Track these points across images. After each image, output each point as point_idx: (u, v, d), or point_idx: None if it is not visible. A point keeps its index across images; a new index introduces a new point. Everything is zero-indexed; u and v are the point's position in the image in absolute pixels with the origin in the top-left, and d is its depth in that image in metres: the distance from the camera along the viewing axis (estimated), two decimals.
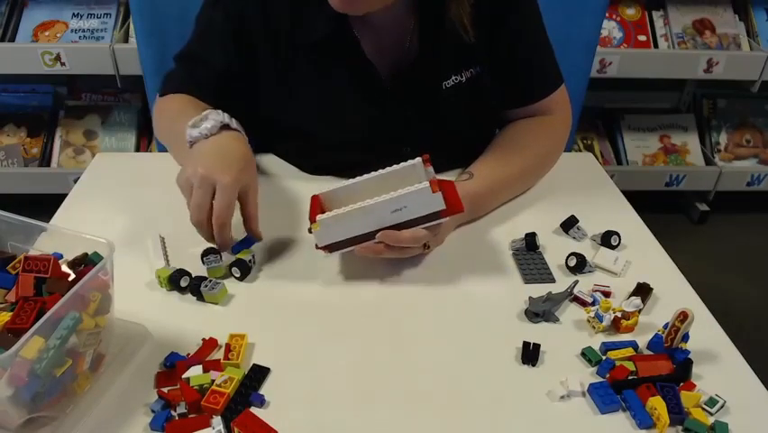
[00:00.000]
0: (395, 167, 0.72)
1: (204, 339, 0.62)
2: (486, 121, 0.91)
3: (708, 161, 1.97)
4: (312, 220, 0.68)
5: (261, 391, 0.58)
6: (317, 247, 0.69)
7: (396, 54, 0.82)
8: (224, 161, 0.68)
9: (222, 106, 0.77)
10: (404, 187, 0.67)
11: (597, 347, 0.63)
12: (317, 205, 0.72)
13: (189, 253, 0.73)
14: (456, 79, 0.84)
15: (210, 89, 0.83)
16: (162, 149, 1.02)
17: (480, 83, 0.85)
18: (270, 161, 0.93)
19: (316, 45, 0.80)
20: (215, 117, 0.72)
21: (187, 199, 0.69)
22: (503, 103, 0.90)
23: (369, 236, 0.68)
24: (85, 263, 0.58)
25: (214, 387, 0.56)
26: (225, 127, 0.72)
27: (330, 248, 0.69)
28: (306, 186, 0.85)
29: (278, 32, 0.81)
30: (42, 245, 0.60)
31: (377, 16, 0.77)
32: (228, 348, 0.61)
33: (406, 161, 0.72)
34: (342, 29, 0.79)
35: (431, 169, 0.71)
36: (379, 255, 0.69)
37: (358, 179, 0.72)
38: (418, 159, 0.71)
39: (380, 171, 0.72)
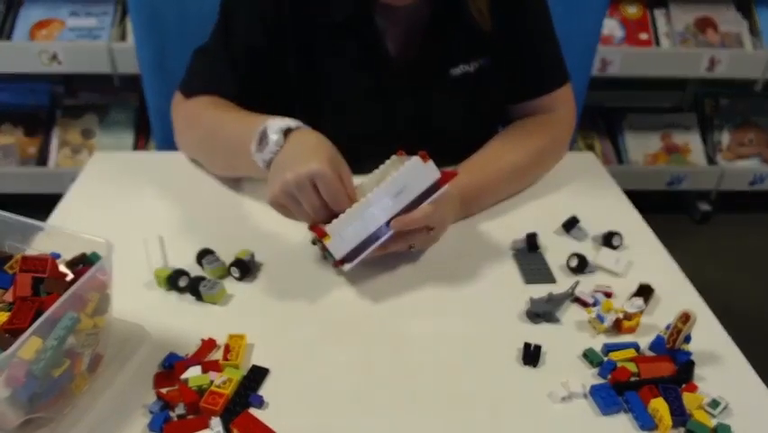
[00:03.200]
0: (380, 167, 0.71)
1: (203, 340, 0.62)
2: (490, 114, 0.92)
3: (711, 161, 1.96)
4: (320, 234, 0.65)
5: (260, 392, 0.58)
6: (335, 264, 0.67)
7: (410, 40, 0.83)
8: (306, 154, 0.64)
9: (245, 100, 0.77)
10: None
11: (598, 348, 0.63)
12: (319, 228, 0.68)
13: (188, 252, 0.72)
14: (464, 68, 0.85)
15: (235, 86, 0.82)
16: (162, 147, 1.01)
17: (486, 75, 0.86)
18: None
19: (337, 29, 0.81)
20: (274, 129, 0.68)
21: (294, 211, 0.66)
22: (508, 96, 0.90)
23: (380, 232, 0.66)
24: (83, 263, 0.58)
25: (212, 388, 0.56)
26: (288, 131, 0.69)
27: (349, 258, 0.66)
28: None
29: (305, 17, 0.81)
30: (40, 245, 0.59)
31: (400, 4, 0.78)
32: (227, 349, 0.61)
33: (410, 148, 0.71)
34: (362, 14, 0.80)
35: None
36: (395, 248, 0.68)
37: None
38: (394, 156, 0.71)
39: (369, 175, 0.71)
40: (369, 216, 0.65)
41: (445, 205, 0.72)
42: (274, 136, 0.68)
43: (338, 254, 0.66)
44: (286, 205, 0.66)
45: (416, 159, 0.66)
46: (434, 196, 0.67)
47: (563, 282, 0.72)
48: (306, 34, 0.82)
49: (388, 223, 0.66)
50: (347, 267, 0.67)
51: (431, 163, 0.66)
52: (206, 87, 0.84)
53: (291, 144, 0.68)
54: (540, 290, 0.70)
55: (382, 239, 0.66)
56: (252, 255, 0.72)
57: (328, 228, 0.64)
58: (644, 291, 0.70)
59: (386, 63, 0.83)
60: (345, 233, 0.65)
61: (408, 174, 0.66)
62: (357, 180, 0.70)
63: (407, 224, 0.66)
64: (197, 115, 0.83)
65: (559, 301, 0.68)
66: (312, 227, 0.67)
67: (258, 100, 0.81)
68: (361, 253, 0.66)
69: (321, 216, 0.65)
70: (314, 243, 0.69)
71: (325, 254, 0.67)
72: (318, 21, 0.81)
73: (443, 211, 0.71)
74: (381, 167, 0.71)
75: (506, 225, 0.81)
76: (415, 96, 0.85)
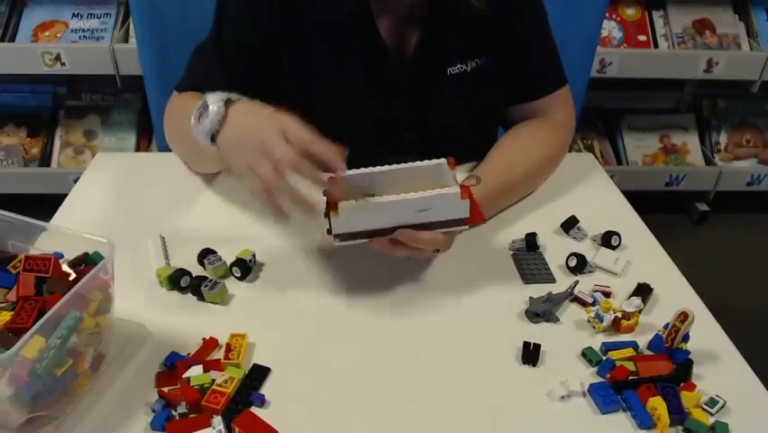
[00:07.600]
0: (418, 163, 0.68)
1: (204, 339, 0.62)
2: (488, 114, 0.92)
3: (709, 161, 1.97)
4: (332, 204, 0.63)
5: (262, 391, 0.58)
6: (329, 233, 0.66)
7: (407, 38, 0.83)
8: (262, 115, 0.63)
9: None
10: (425, 184, 0.65)
11: (597, 347, 0.63)
12: (336, 189, 0.66)
13: (190, 252, 0.73)
14: (461, 68, 0.85)
15: (226, 84, 0.81)
16: (164, 148, 1.02)
17: (484, 75, 0.86)
18: None
19: (335, 25, 0.80)
20: (213, 99, 0.66)
21: (264, 177, 0.62)
22: (507, 98, 0.90)
23: (386, 231, 0.66)
24: (85, 263, 0.58)
25: (214, 387, 0.56)
26: (228, 102, 0.68)
27: (342, 237, 0.66)
28: (308, 183, 0.84)
29: (299, 15, 0.80)
30: (43, 245, 0.60)
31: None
32: (228, 348, 0.61)
33: (408, 148, 0.70)
34: (363, 9, 0.80)
35: (455, 171, 0.68)
36: (392, 253, 0.68)
37: (378, 168, 0.67)
38: (443, 159, 0.68)
39: (402, 165, 0.68)
40: (384, 215, 0.65)
41: (455, 235, 0.71)
42: (214, 107, 0.66)
43: (336, 230, 0.65)
44: (254, 188, 0.63)
45: (456, 191, 0.64)
46: (451, 229, 0.66)
47: (562, 282, 0.72)
48: (300, 32, 0.82)
49: (396, 228, 0.65)
50: (338, 243, 0.66)
51: (466, 202, 0.64)
52: (198, 86, 0.83)
53: (239, 115, 0.66)
54: (539, 290, 0.70)
55: (382, 238, 0.66)
56: (254, 255, 0.73)
57: (341, 205, 0.63)
58: (643, 291, 0.70)
59: (384, 60, 0.83)
60: (354, 217, 0.64)
61: (442, 200, 0.64)
62: (384, 168, 0.68)
63: (411, 241, 0.66)
64: (173, 109, 0.83)
65: (558, 301, 0.68)
66: (327, 195, 0.65)
67: (253, 98, 0.81)
68: (356, 239, 0.66)
69: (297, 167, 0.60)
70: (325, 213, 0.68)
71: (324, 215, 0.65)
72: (314, 18, 0.81)
73: (451, 239, 0.71)
74: (422, 164, 0.68)
75: (505, 225, 0.81)
76: (413, 94, 0.85)
